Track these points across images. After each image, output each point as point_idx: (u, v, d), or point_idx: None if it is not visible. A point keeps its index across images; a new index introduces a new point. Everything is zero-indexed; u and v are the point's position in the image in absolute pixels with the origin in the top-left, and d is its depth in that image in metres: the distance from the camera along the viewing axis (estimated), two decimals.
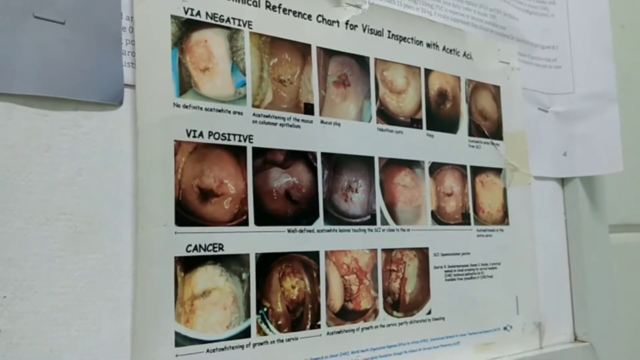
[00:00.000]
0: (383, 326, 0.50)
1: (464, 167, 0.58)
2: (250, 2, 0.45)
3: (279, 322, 0.44)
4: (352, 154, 0.50)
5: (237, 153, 0.43)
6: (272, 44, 0.46)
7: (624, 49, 0.76)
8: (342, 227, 0.48)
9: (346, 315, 0.48)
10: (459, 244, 0.57)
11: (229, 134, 0.43)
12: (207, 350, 0.40)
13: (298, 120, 0.47)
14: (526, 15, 0.68)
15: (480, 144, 0.60)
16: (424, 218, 0.54)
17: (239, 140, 0.43)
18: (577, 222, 0.69)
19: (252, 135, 0.44)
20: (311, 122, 0.47)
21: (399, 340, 0.51)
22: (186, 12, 0.42)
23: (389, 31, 0.54)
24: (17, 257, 0.35)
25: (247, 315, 0.42)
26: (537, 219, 0.65)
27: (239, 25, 0.44)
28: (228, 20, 0.44)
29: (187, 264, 0.40)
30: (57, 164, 0.36)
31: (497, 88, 0.62)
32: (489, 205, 0.60)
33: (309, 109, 0.48)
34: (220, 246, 0.42)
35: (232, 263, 0.42)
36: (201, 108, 0.42)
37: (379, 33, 0.53)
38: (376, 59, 0.52)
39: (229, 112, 0.43)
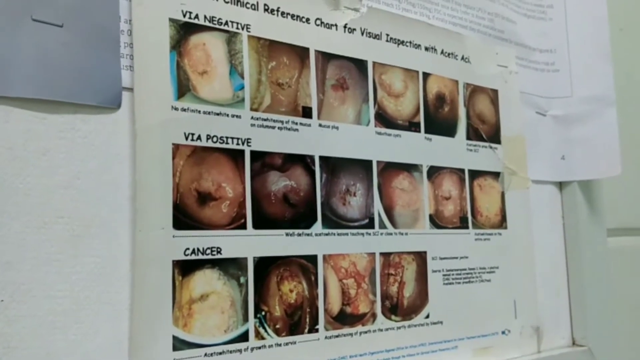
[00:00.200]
0: (381, 330, 0.50)
1: (462, 170, 0.58)
2: (248, 6, 0.45)
3: (277, 326, 0.44)
4: (350, 157, 0.50)
5: (235, 156, 0.43)
6: (270, 48, 0.46)
7: (622, 52, 0.76)
8: (340, 231, 0.48)
9: (344, 319, 0.48)
10: (457, 247, 0.57)
11: (227, 138, 0.43)
12: (205, 355, 0.40)
13: (296, 123, 0.47)
14: (524, 19, 0.68)
15: (478, 148, 0.60)
16: (422, 222, 0.54)
17: (237, 144, 0.43)
18: (575, 225, 0.69)
19: (250, 139, 0.44)
20: (309, 125, 0.47)
21: (397, 344, 0.51)
22: (184, 15, 0.42)
23: (387, 35, 0.54)
24: (15, 261, 0.34)
25: (245, 319, 0.42)
26: (535, 222, 0.65)
27: (237, 28, 0.44)
28: (226, 23, 0.44)
29: (185, 268, 0.40)
30: (55, 167, 0.36)
31: (495, 92, 0.62)
32: (487, 209, 0.60)
33: (307, 113, 0.48)
34: (218, 250, 0.42)
35: (230, 267, 0.42)
36: (199, 111, 0.42)
37: (377, 36, 0.53)
38: (374, 63, 0.52)
39: (227, 115, 0.43)
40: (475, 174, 0.59)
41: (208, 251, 0.41)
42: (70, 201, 0.37)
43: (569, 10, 0.71)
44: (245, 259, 0.43)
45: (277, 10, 0.47)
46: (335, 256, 0.48)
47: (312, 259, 0.46)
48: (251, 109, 0.44)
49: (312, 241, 0.46)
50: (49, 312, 0.35)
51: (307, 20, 0.49)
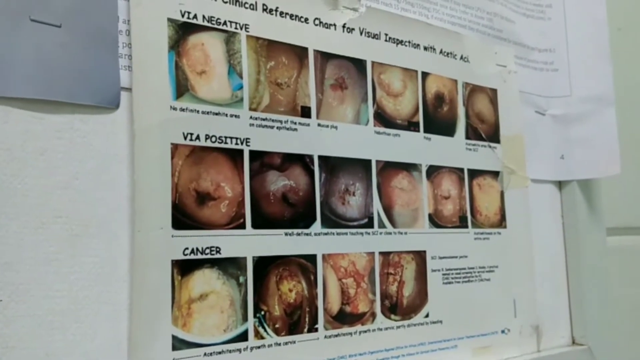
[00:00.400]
0: (381, 329, 0.50)
1: (461, 170, 0.58)
2: (247, 6, 0.45)
3: (277, 326, 0.44)
4: (349, 157, 0.50)
5: (234, 156, 0.43)
6: (269, 47, 0.46)
7: (621, 52, 0.76)
8: (339, 230, 0.48)
9: (344, 318, 0.48)
10: (457, 247, 0.57)
11: (225, 137, 0.43)
12: (205, 354, 0.40)
13: (295, 123, 0.47)
14: (523, 19, 0.68)
15: (477, 147, 0.60)
16: (421, 221, 0.54)
17: (236, 144, 0.43)
18: (574, 225, 0.69)
19: (249, 139, 0.44)
20: (308, 125, 0.47)
21: (396, 343, 0.51)
22: (183, 15, 0.42)
23: (386, 34, 0.54)
24: (14, 261, 0.34)
25: (245, 318, 0.42)
26: (534, 222, 0.65)
27: (236, 28, 0.44)
28: (225, 23, 0.44)
29: (184, 268, 0.40)
30: (53, 168, 0.36)
31: (494, 91, 0.62)
32: (486, 208, 0.60)
33: (306, 112, 0.48)
34: (218, 249, 0.42)
35: (229, 266, 0.42)
36: (198, 111, 0.42)
37: (376, 36, 0.53)
38: (373, 62, 0.52)
39: (226, 115, 0.43)
40: (474, 173, 0.59)
41: (207, 251, 0.41)
42: (68, 201, 0.37)
43: (568, 9, 0.71)
44: (245, 258, 0.43)
45: (276, 10, 0.47)
46: (334, 255, 0.48)
47: (312, 258, 0.46)
48: (250, 109, 0.44)
49: (312, 241, 0.46)
50: (48, 312, 0.35)
51: (306, 20, 0.49)
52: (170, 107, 0.41)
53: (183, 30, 0.42)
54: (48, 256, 0.36)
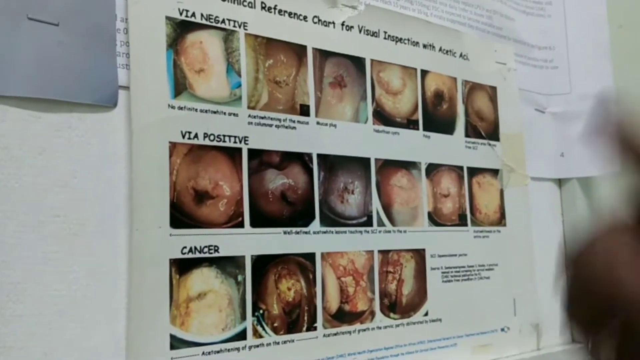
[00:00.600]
0: (380, 328, 0.50)
1: (461, 168, 0.58)
2: (245, 4, 0.45)
3: (275, 325, 0.44)
4: (348, 155, 0.49)
5: (233, 154, 0.43)
6: (267, 45, 0.46)
7: (622, 49, 0.76)
8: (338, 229, 0.48)
9: (343, 317, 0.48)
10: (456, 245, 0.56)
11: (224, 136, 0.43)
12: (203, 353, 0.40)
13: (294, 121, 0.47)
14: (523, 16, 0.68)
15: (477, 145, 0.59)
16: (420, 219, 0.54)
17: (235, 142, 0.43)
18: (574, 223, 0.68)
19: (247, 137, 0.44)
20: (307, 123, 0.47)
21: (396, 342, 0.51)
22: (181, 14, 0.42)
23: (385, 32, 0.54)
24: (11, 260, 0.34)
25: (243, 317, 0.42)
26: (534, 219, 0.64)
27: (235, 26, 0.44)
28: (223, 21, 0.44)
29: (182, 266, 0.40)
30: (51, 166, 0.36)
31: (494, 89, 0.62)
32: (485, 206, 0.60)
33: (304, 110, 0.47)
34: (216, 248, 0.42)
35: (228, 265, 0.42)
36: (196, 109, 0.42)
37: (375, 34, 0.53)
38: (372, 60, 0.52)
39: (224, 113, 0.43)
40: (474, 172, 0.59)
41: (205, 250, 0.41)
42: (66, 200, 0.37)
43: (568, 7, 0.71)
44: (243, 257, 0.43)
45: (274, 8, 0.47)
46: (333, 254, 0.48)
47: (310, 257, 0.46)
48: (248, 107, 0.44)
49: (310, 239, 0.46)
50: (46, 312, 0.35)
51: (305, 18, 0.48)
52: (169, 105, 0.41)
53: (181, 29, 0.42)
54: (46, 255, 0.36)
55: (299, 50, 0.48)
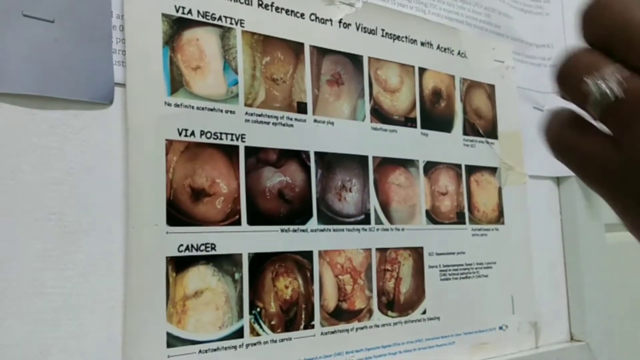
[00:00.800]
0: (377, 326, 0.50)
1: (459, 166, 0.58)
2: (242, 1, 0.45)
3: (273, 323, 0.44)
4: (345, 153, 0.49)
5: (230, 152, 0.43)
6: (264, 43, 0.46)
7: None
8: (335, 227, 0.48)
9: (340, 315, 0.47)
10: (454, 243, 0.56)
11: (221, 133, 0.43)
12: (200, 351, 0.40)
13: (291, 119, 0.46)
14: (521, 14, 0.67)
15: (475, 143, 0.59)
16: (418, 217, 0.54)
17: (231, 140, 0.43)
18: (573, 221, 0.68)
19: (244, 134, 0.44)
20: (304, 121, 0.47)
21: (393, 340, 0.51)
22: (177, 11, 0.42)
23: (383, 30, 0.53)
24: (6, 258, 0.34)
25: (240, 315, 0.42)
26: (532, 218, 0.64)
27: (231, 23, 0.44)
28: (220, 18, 0.44)
29: (179, 264, 0.40)
30: (47, 164, 0.36)
31: (492, 87, 0.62)
32: (484, 204, 0.59)
33: (302, 108, 0.47)
34: (213, 246, 0.41)
35: (225, 263, 0.42)
36: (193, 107, 0.42)
37: (372, 32, 0.53)
38: (370, 58, 0.52)
39: (221, 111, 0.43)
40: (472, 170, 0.59)
41: (202, 247, 0.41)
42: (62, 197, 0.36)
43: (566, 4, 0.71)
44: (240, 255, 0.43)
45: (272, 5, 0.47)
46: (331, 252, 0.47)
47: (308, 255, 0.46)
48: (245, 105, 0.44)
49: (308, 237, 0.46)
50: (41, 310, 0.35)
51: (302, 15, 0.48)
52: (165, 102, 0.40)
53: (178, 26, 0.42)
54: (41, 253, 0.35)
55: (296, 48, 0.48)
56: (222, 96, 0.43)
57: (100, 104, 0.38)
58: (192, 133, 0.41)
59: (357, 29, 0.52)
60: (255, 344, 0.43)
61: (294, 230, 0.46)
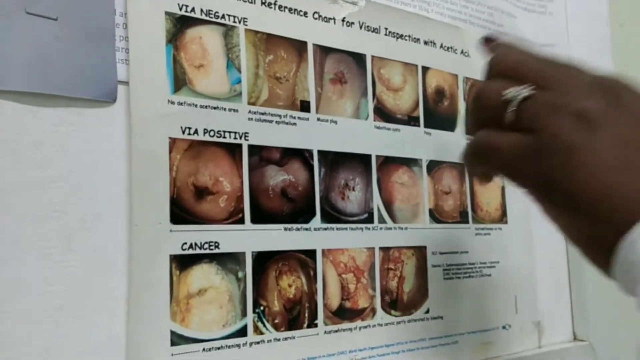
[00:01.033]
0: (381, 325, 0.50)
1: (462, 165, 0.58)
2: None
3: (276, 321, 0.44)
4: (349, 151, 0.49)
5: (233, 150, 0.43)
6: (267, 41, 0.46)
7: (623, 48, 0.75)
8: (339, 226, 0.48)
9: (343, 314, 0.47)
10: (457, 242, 0.56)
11: (224, 132, 0.43)
12: (203, 349, 0.40)
13: (294, 117, 0.46)
14: (524, 13, 0.67)
15: None
16: (421, 216, 0.54)
17: (235, 138, 0.43)
18: None
19: (247, 133, 0.44)
20: (307, 119, 0.47)
21: (396, 339, 0.50)
22: (181, 9, 0.42)
23: (386, 28, 0.53)
24: (8, 256, 0.34)
25: (244, 314, 0.42)
26: (535, 217, 0.64)
27: (235, 21, 0.44)
28: (223, 16, 0.44)
29: (183, 263, 0.40)
30: (49, 161, 0.36)
31: None
32: (487, 203, 0.59)
33: (305, 107, 0.47)
34: (216, 244, 0.41)
35: (228, 261, 0.42)
36: (196, 105, 0.42)
37: (375, 30, 0.53)
38: (373, 57, 0.52)
39: (225, 109, 0.43)
40: None
41: (206, 246, 0.41)
42: (65, 195, 0.36)
43: (569, 4, 0.71)
44: (244, 253, 0.42)
45: (275, 4, 0.46)
46: (334, 251, 0.47)
47: (311, 253, 0.46)
48: (248, 103, 0.44)
49: (311, 236, 0.46)
50: (45, 308, 0.35)
51: (305, 13, 0.48)
52: (168, 101, 0.40)
53: (181, 24, 0.42)
54: (44, 251, 0.35)
55: (299, 46, 0.47)
56: (225, 94, 0.43)
57: (103, 102, 0.38)
58: (196, 131, 0.41)
59: (360, 27, 0.52)
60: (258, 343, 0.42)
61: (297, 229, 0.45)
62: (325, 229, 0.47)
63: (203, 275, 0.40)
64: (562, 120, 0.30)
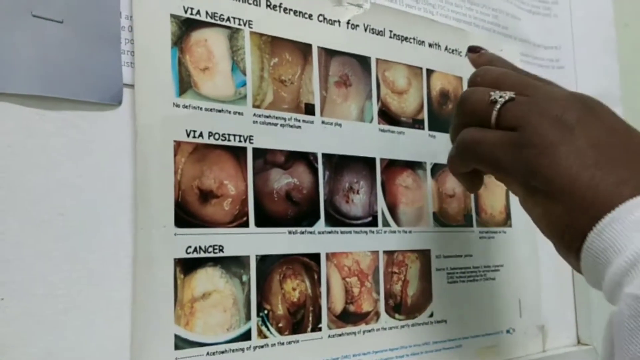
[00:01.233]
0: (385, 329, 0.49)
1: None
2: (250, 2, 0.45)
3: (280, 325, 0.44)
4: (353, 154, 0.49)
5: (238, 154, 0.43)
6: (272, 44, 0.46)
7: (628, 49, 0.75)
8: (343, 229, 0.48)
9: (347, 317, 0.47)
10: (461, 246, 0.56)
11: (229, 135, 0.43)
12: (207, 353, 0.40)
13: (299, 120, 0.46)
14: (529, 16, 0.67)
15: None
16: (425, 220, 0.54)
17: (239, 141, 0.43)
18: None
19: (252, 136, 0.44)
20: (312, 122, 0.47)
21: (400, 343, 0.50)
22: (186, 11, 0.42)
23: (391, 31, 0.53)
24: (14, 259, 0.34)
25: (248, 317, 0.42)
26: None
27: (240, 24, 0.44)
28: (228, 19, 0.44)
29: (187, 266, 0.40)
30: (55, 165, 0.36)
31: None
32: (491, 206, 0.59)
33: (309, 110, 0.47)
34: (221, 248, 0.41)
35: (233, 265, 0.42)
36: (201, 108, 0.41)
37: (380, 33, 0.52)
38: (377, 59, 0.52)
39: (229, 112, 0.43)
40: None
41: (210, 249, 0.41)
42: (70, 199, 0.36)
43: (574, 6, 0.71)
44: (248, 257, 0.42)
45: (280, 6, 0.46)
46: (338, 254, 0.47)
47: (315, 257, 0.46)
48: (253, 106, 0.44)
49: (315, 239, 0.46)
50: (49, 311, 0.35)
51: (310, 16, 0.48)
52: (173, 104, 0.40)
53: (186, 27, 0.42)
54: (49, 254, 0.35)
55: (304, 49, 0.47)
56: (230, 97, 0.43)
57: (109, 105, 0.38)
58: (200, 134, 0.41)
59: (365, 30, 0.52)
60: (262, 347, 0.42)
61: (302, 232, 0.45)
62: (329, 232, 0.47)
63: (207, 278, 0.40)
64: (543, 120, 0.34)
